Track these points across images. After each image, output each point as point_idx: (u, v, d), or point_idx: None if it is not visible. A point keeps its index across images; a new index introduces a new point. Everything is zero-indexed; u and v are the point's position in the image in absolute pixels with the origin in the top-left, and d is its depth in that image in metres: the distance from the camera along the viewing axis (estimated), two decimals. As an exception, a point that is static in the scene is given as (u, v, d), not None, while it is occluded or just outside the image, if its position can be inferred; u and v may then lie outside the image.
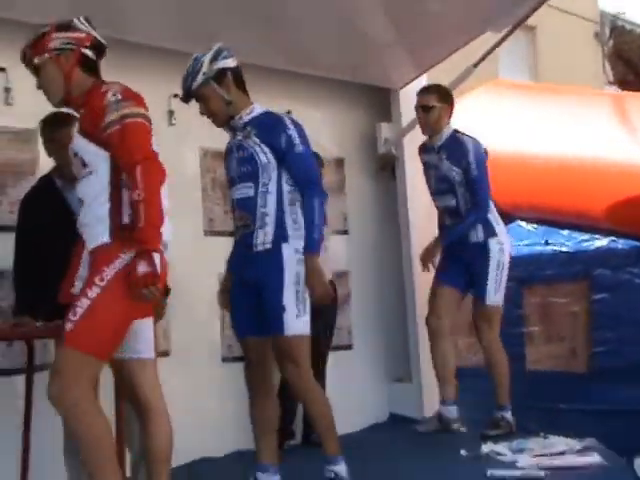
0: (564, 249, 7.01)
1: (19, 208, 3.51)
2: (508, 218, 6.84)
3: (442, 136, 4.35)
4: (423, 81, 5.08)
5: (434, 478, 3.53)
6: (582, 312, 6.92)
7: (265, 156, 3.20)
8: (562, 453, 3.77)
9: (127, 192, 2.63)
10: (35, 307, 3.24)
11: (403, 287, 5.28)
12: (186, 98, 3.30)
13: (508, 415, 4.28)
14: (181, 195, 4.45)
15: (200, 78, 3.20)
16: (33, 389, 3.31)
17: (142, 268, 2.55)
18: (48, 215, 3.36)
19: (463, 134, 4.40)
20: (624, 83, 14.49)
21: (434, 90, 4.39)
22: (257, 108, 3.32)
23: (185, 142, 4.41)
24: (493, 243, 4.32)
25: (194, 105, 3.33)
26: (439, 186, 4.38)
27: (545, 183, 6.50)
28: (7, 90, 3.89)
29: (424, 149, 4.51)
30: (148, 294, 2.58)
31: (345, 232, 5.23)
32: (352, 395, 5.00)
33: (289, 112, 4.09)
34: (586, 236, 6.85)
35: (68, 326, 2.58)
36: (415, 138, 5.07)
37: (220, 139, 3.56)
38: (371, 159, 5.41)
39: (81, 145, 2.73)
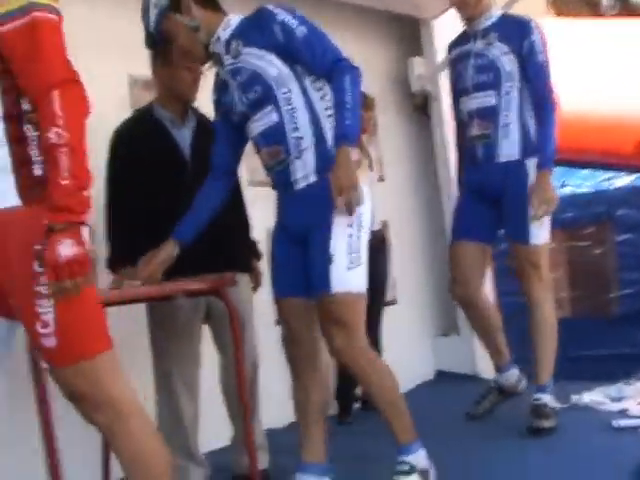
0: (583, 190, 6.74)
1: (109, 146, 2.89)
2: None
3: (490, 17, 3.38)
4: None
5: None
6: (605, 255, 6.68)
7: (272, 66, 2.49)
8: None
9: (32, 128, 1.79)
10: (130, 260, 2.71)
11: (444, 233, 4.89)
12: (152, 44, 2.65)
13: (551, 399, 3.26)
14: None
15: (154, 14, 2.55)
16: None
17: (66, 250, 1.71)
18: (144, 152, 2.80)
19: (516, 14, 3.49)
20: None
21: None
22: (234, 19, 2.59)
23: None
24: (531, 164, 3.28)
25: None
26: (478, 79, 3.36)
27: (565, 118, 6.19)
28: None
29: (458, 41, 3.53)
30: (71, 288, 1.73)
31: (381, 179, 4.81)
32: (396, 352, 4.62)
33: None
34: (607, 175, 6.59)
35: (49, 343, 1.80)
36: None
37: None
38: (403, 98, 4.99)
39: None
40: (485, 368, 4.84)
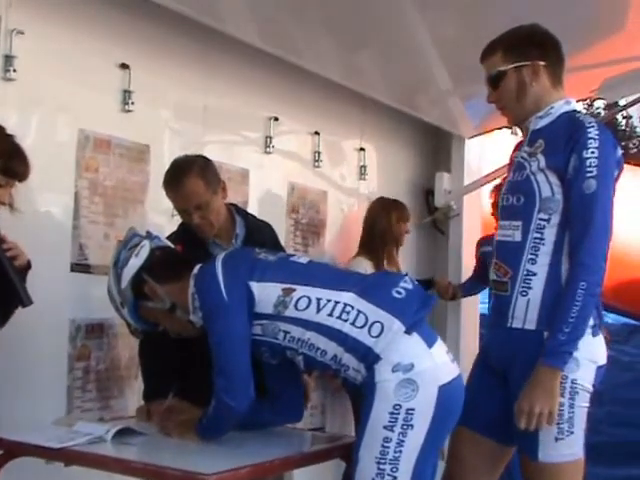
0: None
1: None
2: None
3: (548, 113, 2.35)
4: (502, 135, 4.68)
5: None
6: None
7: None
8: None
9: None
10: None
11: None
12: (136, 333, 2.61)
13: None
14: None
15: (127, 312, 2.41)
16: None
17: None
18: None
19: (585, 114, 2.45)
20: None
21: (499, 45, 2.38)
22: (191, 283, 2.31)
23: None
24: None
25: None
26: (507, 201, 2.39)
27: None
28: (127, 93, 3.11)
29: (518, 144, 2.48)
30: None
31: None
32: None
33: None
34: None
35: None
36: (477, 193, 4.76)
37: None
38: (423, 209, 4.90)
39: None
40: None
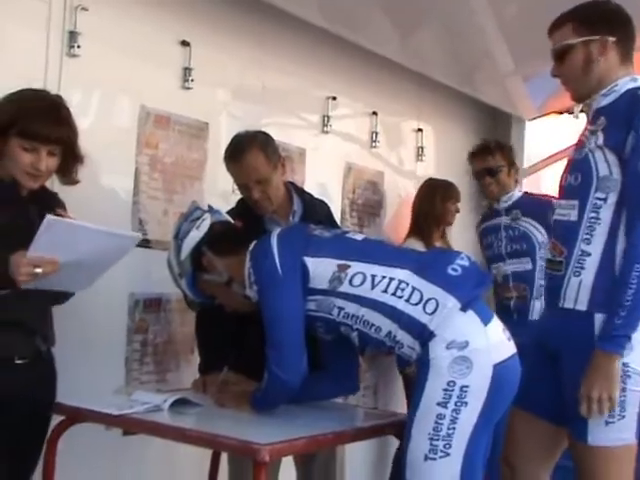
0: None
1: None
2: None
3: (612, 91, 2.31)
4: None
5: None
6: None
7: None
8: None
9: None
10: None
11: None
12: (192, 305, 2.67)
13: None
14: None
15: (184, 283, 2.45)
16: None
17: None
18: None
19: None
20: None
21: (570, 17, 2.36)
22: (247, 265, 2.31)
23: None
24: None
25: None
26: (565, 180, 2.36)
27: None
28: (187, 70, 3.14)
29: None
30: None
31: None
32: None
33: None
34: None
35: None
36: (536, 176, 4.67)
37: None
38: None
39: None
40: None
